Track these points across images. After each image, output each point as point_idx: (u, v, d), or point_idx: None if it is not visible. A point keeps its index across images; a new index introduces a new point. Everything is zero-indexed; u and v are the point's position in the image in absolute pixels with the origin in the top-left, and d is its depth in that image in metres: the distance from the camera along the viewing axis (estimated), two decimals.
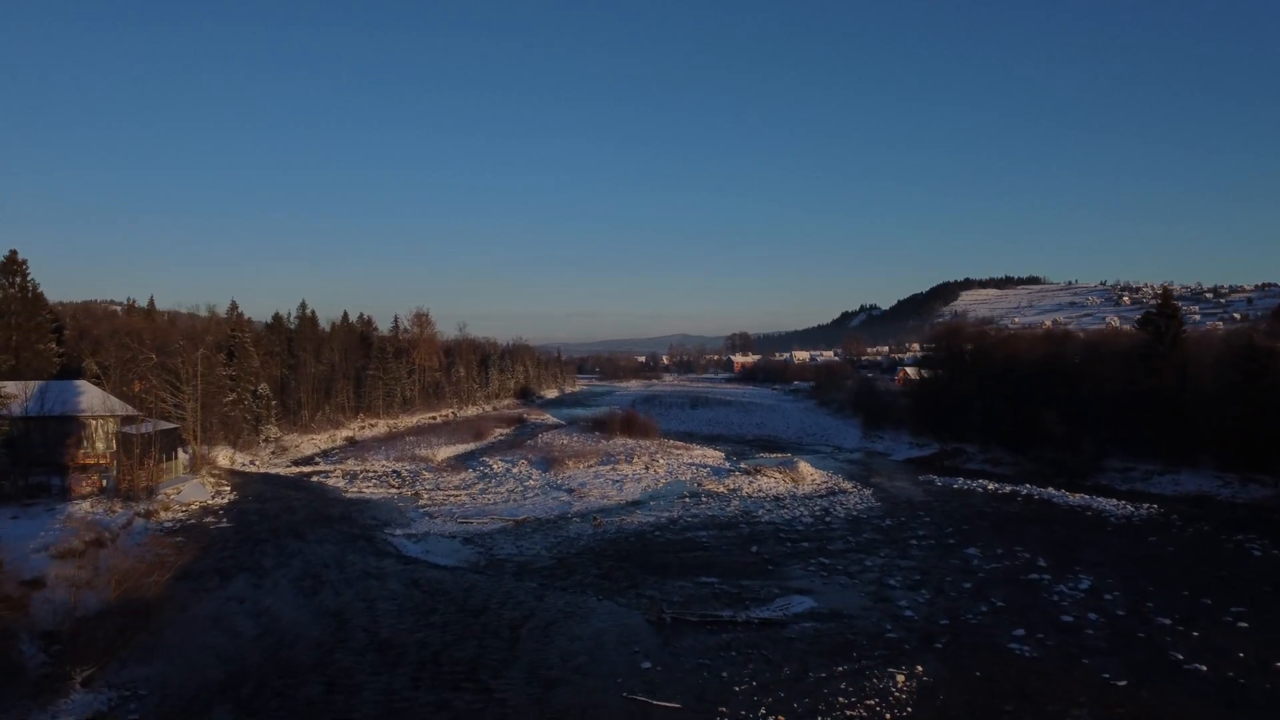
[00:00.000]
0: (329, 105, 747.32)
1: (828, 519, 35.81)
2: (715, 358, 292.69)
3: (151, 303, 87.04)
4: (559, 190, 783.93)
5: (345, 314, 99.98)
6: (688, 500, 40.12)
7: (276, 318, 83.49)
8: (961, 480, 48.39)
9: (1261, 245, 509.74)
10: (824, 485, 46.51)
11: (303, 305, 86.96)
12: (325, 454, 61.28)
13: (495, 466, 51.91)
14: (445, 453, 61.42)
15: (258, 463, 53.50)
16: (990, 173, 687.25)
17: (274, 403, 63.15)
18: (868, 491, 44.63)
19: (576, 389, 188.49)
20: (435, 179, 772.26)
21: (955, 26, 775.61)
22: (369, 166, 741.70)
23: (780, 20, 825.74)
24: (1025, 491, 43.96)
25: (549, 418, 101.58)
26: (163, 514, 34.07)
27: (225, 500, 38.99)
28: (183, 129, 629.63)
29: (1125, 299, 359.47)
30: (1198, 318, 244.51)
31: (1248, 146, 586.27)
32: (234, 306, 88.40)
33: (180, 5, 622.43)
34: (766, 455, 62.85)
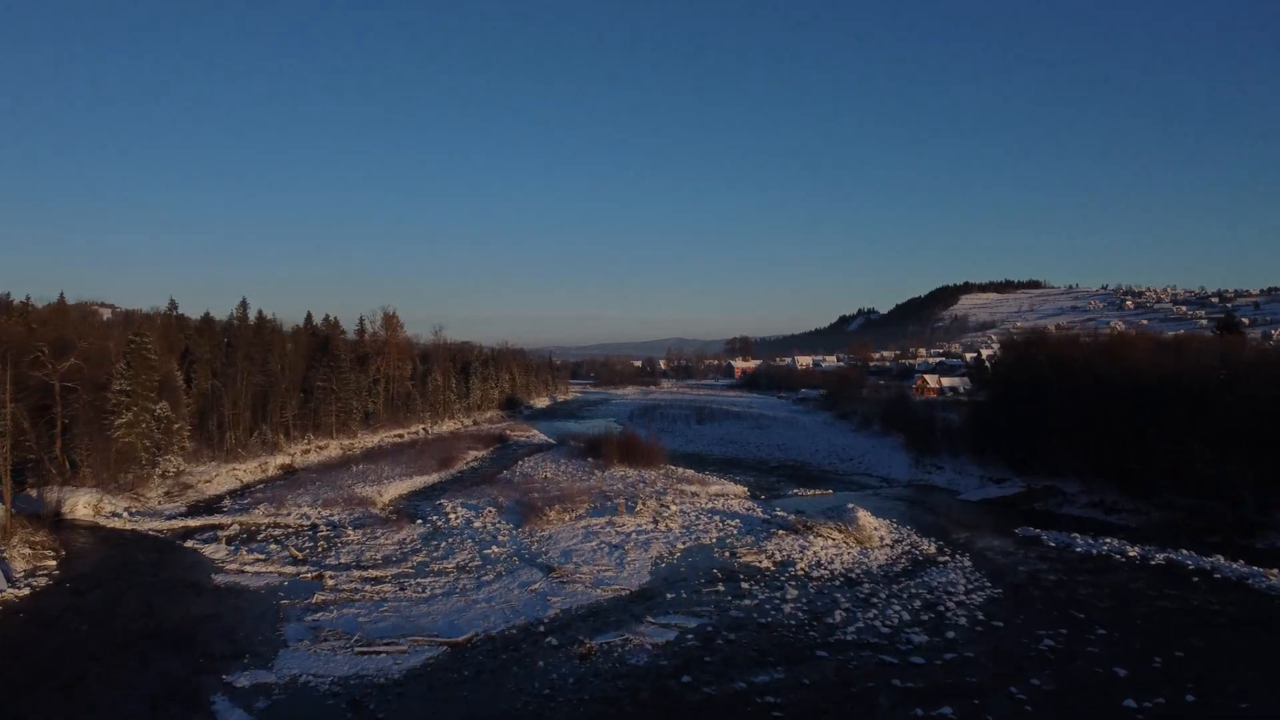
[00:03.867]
0: (319, 99, 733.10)
1: (945, 630, 22.90)
2: (715, 362, 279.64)
3: (62, 299, 73.63)
4: (553, 191, 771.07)
5: (309, 315, 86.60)
6: (721, 587, 27.14)
7: (207, 319, 70.08)
8: (1080, 540, 35.54)
9: (1264, 248, 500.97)
10: (901, 550, 33.67)
11: (242, 304, 73.56)
12: (242, 491, 48.02)
13: (452, 517, 38.82)
14: (395, 490, 48.25)
15: (135, 511, 40.18)
16: (988, 175, 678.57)
17: (178, 425, 49.87)
18: (966, 561, 31.87)
19: (569, 397, 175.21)
20: (427, 178, 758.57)
21: (953, 27, 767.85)
22: (361, 167, 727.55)
23: (777, 21, 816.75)
24: (1190, 564, 31.17)
25: (536, 434, 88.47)
26: None
27: (24, 592, 25.77)
28: (173, 130, 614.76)
29: (1129, 303, 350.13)
30: (1204, 322, 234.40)
31: (1250, 149, 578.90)
32: (172, 305, 75.16)
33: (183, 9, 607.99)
34: (803, 493, 50.03)
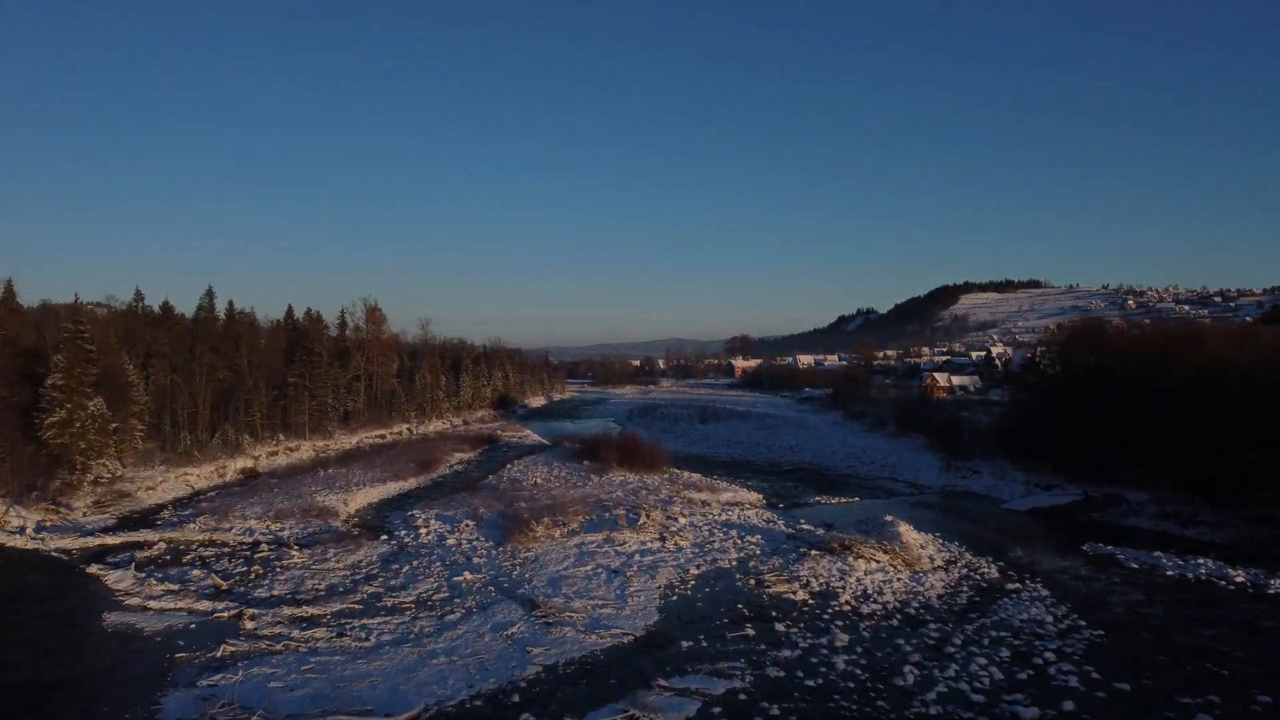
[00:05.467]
0: (312, 95, 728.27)
1: (1058, 697, 17.08)
2: (715, 361, 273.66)
3: (10, 288, 67.60)
4: (551, 190, 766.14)
5: (289, 309, 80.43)
6: (750, 630, 21.33)
7: (167, 309, 64.10)
8: (1167, 560, 29.87)
9: (1265, 248, 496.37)
10: (959, 574, 27.95)
11: (209, 293, 67.60)
12: (190, 500, 42.16)
13: (423, 532, 33.00)
14: (363, 498, 42.40)
15: (48, 526, 34.22)
16: (988, 175, 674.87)
17: (115, 425, 43.96)
18: (1040, 589, 26.19)
19: (566, 396, 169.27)
20: (422, 175, 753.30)
21: (952, 26, 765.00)
22: (354, 166, 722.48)
23: (777, 20, 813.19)
24: None
25: (529, 435, 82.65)
26: None
27: None
28: (165, 126, 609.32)
29: (1130, 303, 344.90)
30: (1208, 321, 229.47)
31: (1251, 148, 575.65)
32: (138, 296, 69.30)
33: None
34: (826, 501, 44.31)
